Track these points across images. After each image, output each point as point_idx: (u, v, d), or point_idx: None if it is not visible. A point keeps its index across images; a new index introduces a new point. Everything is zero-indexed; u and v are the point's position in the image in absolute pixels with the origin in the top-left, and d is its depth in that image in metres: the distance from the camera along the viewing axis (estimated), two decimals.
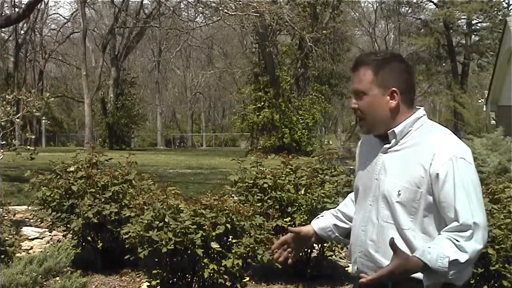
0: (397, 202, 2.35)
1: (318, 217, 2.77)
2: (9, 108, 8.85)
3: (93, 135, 35.31)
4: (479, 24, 41.87)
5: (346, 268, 6.74)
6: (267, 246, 5.31)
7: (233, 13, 18.84)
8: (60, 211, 6.37)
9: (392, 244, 2.23)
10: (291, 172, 6.44)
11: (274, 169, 6.47)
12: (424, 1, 44.35)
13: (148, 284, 5.46)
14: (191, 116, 58.52)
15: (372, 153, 2.50)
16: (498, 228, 4.94)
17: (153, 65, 53.57)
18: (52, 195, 6.36)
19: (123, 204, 6.19)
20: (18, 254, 6.40)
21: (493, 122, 21.12)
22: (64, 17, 57.44)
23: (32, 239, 7.61)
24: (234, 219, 5.17)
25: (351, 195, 2.74)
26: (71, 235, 6.57)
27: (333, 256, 6.63)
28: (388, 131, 2.42)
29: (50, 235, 7.31)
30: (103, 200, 6.22)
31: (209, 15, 23.97)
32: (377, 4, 48.58)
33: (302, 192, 6.15)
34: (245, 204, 5.55)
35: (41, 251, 5.60)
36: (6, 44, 44.69)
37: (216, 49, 53.11)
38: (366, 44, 51.13)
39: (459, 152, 2.34)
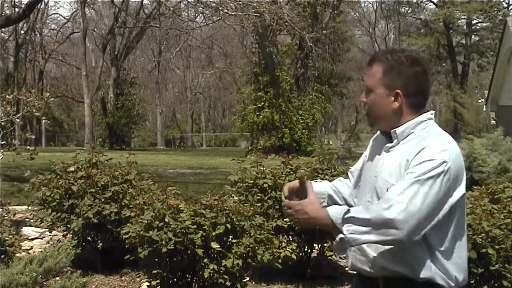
0: None
1: (316, 181, 2.81)
2: (9, 108, 8.84)
3: (93, 135, 35.29)
4: (479, 24, 41.88)
5: (346, 268, 6.74)
6: (267, 246, 5.32)
7: (233, 13, 18.83)
8: (60, 211, 6.37)
9: (301, 182, 2.38)
10: (291, 172, 6.44)
11: (274, 169, 6.47)
12: (424, 1, 44.40)
13: (148, 284, 5.47)
14: (191, 116, 58.53)
15: (378, 151, 2.55)
16: (498, 228, 4.95)
17: (153, 65, 53.57)
18: (52, 195, 6.36)
19: (123, 204, 6.19)
20: (18, 254, 6.40)
21: (493, 122, 21.12)
22: (64, 17, 57.50)
23: (32, 239, 7.61)
24: (234, 219, 5.17)
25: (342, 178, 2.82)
26: (71, 235, 6.57)
27: (333, 256, 6.63)
28: (391, 131, 2.46)
29: (50, 235, 7.31)
30: (103, 200, 6.22)
31: (209, 15, 23.97)
32: (377, 4, 48.66)
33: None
34: (245, 204, 5.55)
35: (41, 251, 5.60)
36: (6, 44, 44.68)
37: (216, 49, 53.11)
38: (366, 44, 51.19)
39: (443, 154, 2.31)
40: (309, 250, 6.48)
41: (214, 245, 5.04)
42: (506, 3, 44.19)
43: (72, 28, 48.11)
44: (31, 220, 7.50)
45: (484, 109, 23.01)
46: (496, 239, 4.90)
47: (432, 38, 40.14)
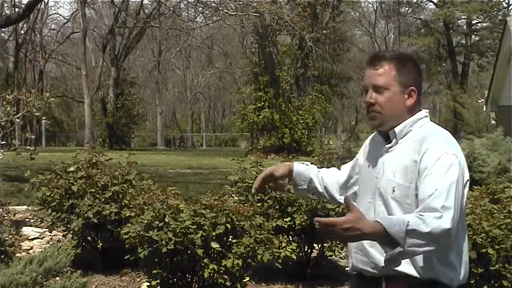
0: (392, 198, 2.39)
1: (302, 163, 2.82)
2: (9, 108, 8.84)
3: (93, 135, 35.28)
4: (479, 24, 41.86)
5: (346, 268, 6.74)
6: (267, 246, 5.32)
7: (233, 13, 18.82)
8: (60, 211, 6.37)
9: (346, 200, 2.24)
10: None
11: None
12: (424, 1, 44.38)
13: (148, 284, 5.47)
14: (191, 116, 58.51)
15: (376, 152, 2.55)
16: (498, 228, 4.95)
17: (153, 65, 53.55)
18: (52, 195, 6.36)
19: (123, 204, 6.19)
20: (18, 254, 6.40)
21: (493, 122, 21.11)
22: (64, 17, 57.41)
23: (32, 239, 7.61)
24: (234, 219, 5.17)
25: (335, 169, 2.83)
26: (71, 235, 6.57)
27: (333, 256, 6.63)
28: (389, 131, 2.47)
29: (50, 235, 7.31)
30: (103, 200, 6.22)
31: (209, 15, 23.95)
32: (377, 4, 48.64)
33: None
34: (245, 204, 5.55)
35: (41, 251, 5.60)
36: (6, 44, 44.66)
37: (216, 49, 53.09)
38: (366, 44, 51.18)
39: (451, 150, 2.36)
40: (309, 250, 6.48)
41: (214, 245, 5.04)
42: (506, 3, 44.22)
43: (72, 28, 48.10)
44: (31, 220, 7.49)
45: (484, 109, 23.00)
46: (496, 239, 4.91)
47: (432, 38, 40.13)
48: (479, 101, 26.58)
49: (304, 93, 32.47)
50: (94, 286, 6.23)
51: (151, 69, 54.56)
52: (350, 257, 2.55)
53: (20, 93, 9.42)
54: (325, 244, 6.39)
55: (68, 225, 6.34)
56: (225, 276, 5.16)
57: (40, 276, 4.62)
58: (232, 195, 6.09)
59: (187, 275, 5.27)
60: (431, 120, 2.55)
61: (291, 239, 6.26)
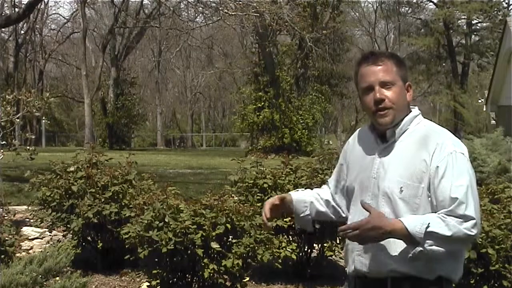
0: (399, 198, 2.37)
1: (297, 190, 2.81)
2: (9, 108, 8.84)
3: (93, 135, 35.27)
4: (479, 24, 41.84)
5: (346, 268, 6.74)
6: (267, 246, 5.32)
7: (233, 13, 18.81)
8: (60, 211, 6.37)
9: (364, 204, 2.32)
10: (291, 172, 6.44)
11: (274, 169, 6.48)
12: (424, 1, 44.36)
13: (148, 284, 5.47)
14: (191, 116, 58.50)
15: (367, 152, 2.53)
16: (498, 228, 4.95)
17: (153, 65, 53.56)
18: (52, 195, 6.37)
19: (123, 204, 6.19)
20: (18, 254, 6.41)
21: (493, 122, 21.11)
22: (64, 17, 57.37)
23: (32, 239, 7.61)
24: (234, 219, 5.17)
25: (325, 185, 2.80)
26: (71, 235, 6.57)
27: (333, 256, 6.64)
28: (387, 130, 2.45)
29: (50, 235, 7.31)
30: (103, 200, 6.22)
31: (209, 15, 23.94)
32: (377, 4, 48.61)
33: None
34: (245, 204, 5.55)
35: (41, 251, 5.60)
36: (6, 44, 44.64)
37: (216, 49, 53.08)
38: (366, 44, 51.14)
39: (459, 148, 2.39)
40: (309, 250, 6.48)
41: (214, 245, 5.04)
42: (506, 3, 44.20)
43: (72, 28, 48.09)
44: (31, 220, 7.49)
45: (484, 109, 23.00)
46: (496, 239, 4.90)
47: (432, 38, 40.10)
48: (479, 101, 26.60)
49: (304, 93, 32.47)
50: (94, 286, 6.23)
51: (151, 69, 54.57)
52: (352, 261, 2.52)
53: (20, 93, 9.41)
54: (325, 244, 6.39)
55: (68, 225, 6.34)
56: (225, 276, 5.16)
57: (40, 276, 4.62)
58: (232, 195, 6.09)
59: (187, 275, 5.27)
60: (426, 118, 2.57)
61: (291, 239, 6.26)
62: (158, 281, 5.23)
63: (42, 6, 42.20)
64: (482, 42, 41.30)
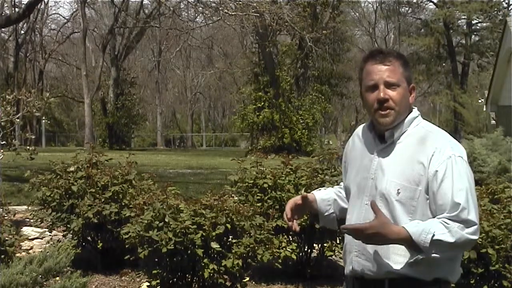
0: (396, 200, 2.36)
1: (319, 189, 2.79)
2: (9, 108, 8.84)
3: (93, 135, 35.30)
4: (479, 24, 41.86)
5: (346, 270, 6.74)
6: (267, 246, 5.32)
7: (233, 13, 18.81)
8: (60, 211, 6.37)
9: (373, 205, 2.29)
10: (291, 172, 6.44)
11: (274, 169, 6.47)
12: (424, 1, 44.38)
13: (148, 284, 5.47)
14: (191, 116, 58.51)
15: (366, 152, 2.52)
16: (498, 228, 4.94)
17: (153, 65, 53.56)
18: (52, 195, 6.36)
19: (123, 204, 6.19)
20: (18, 254, 6.39)
21: (493, 122, 21.10)
22: (64, 17, 57.49)
23: (32, 239, 7.61)
24: (234, 219, 5.17)
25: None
26: (71, 235, 6.57)
27: (333, 256, 6.63)
28: (386, 131, 2.44)
29: (50, 235, 7.31)
30: (103, 200, 6.22)
31: (209, 15, 23.92)
32: (377, 4, 48.65)
33: (302, 192, 6.14)
34: (245, 204, 5.55)
35: (41, 251, 5.60)
36: (6, 44, 44.65)
37: (216, 49, 53.09)
38: (366, 44, 51.15)
39: (457, 151, 2.38)
40: (309, 250, 6.48)
41: (214, 245, 5.04)
42: (506, 3, 44.14)
43: (72, 28, 48.14)
44: (31, 220, 7.49)
45: (484, 109, 22.99)
46: (496, 239, 4.90)
47: (432, 38, 40.12)
48: (479, 101, 26.59)
49: (304, 93, 32.48)
50: (94, 286, 6.23)
51: (151, 69, 54.58)
52: (349, 261, 2.51)
53: (20, 93, 9.42)
54: (325, 244, 6.39)
55: (68, 225, 6.33)
56: (225, 276, 5.16)
57: (40, 276, 4.62)
58: (232, 195, 6.09)
59: (187, 275, 5.27)
60: (426, 119, 2.55)
61: (291, 239, 6.26)
62: (158, 281, 5.23)
63: (42, 6, 42.28)
64: (482, 42, 41.32)
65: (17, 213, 7.54)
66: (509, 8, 40.10)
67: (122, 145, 35.16)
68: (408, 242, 2.25)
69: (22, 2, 35.18)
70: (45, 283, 4.77)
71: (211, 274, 5.02)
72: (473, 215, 2.28)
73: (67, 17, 51.02)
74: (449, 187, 2.30)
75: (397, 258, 2.34)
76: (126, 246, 5.31)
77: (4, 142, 9.07)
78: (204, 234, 4.98)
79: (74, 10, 46.27)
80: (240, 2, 18.39)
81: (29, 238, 7.59)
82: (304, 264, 6.47)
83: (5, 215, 6.73)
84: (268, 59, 29.21)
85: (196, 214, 5.10)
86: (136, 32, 37.22)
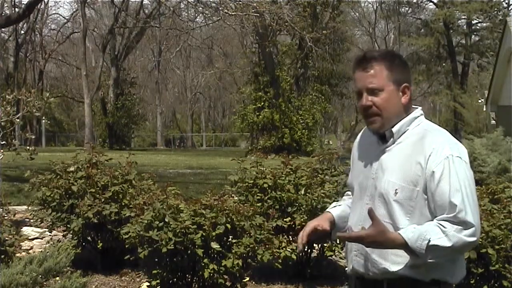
0: (394, 200, 2.36)
1: (334, 206, 2.72)
2: (9, 108, 8.84)
3: (93, 135, 35.31)
4: (479, 24, 41.86)
5: (346, 268, 6.73)
6: (267, 246, 5.32)
7: (233, 13, 18.82)
8: (60, 211, 6.37)
9: (370, 212, 2.28)
10: (291, 172, 6.44)
11: (274, 169, 6.47)
12: (424, 1, 44.38)
13: (148, 284, 5.47)
14: (191, 116, 58.52)
15: (369, 151, 2.51)
16: (498, 228, 4.94)
17: (153, 65, 53.57)
18: (52, 195, 6.36)
19: (123, 204, 6.19)
20: (18, 254, 6.40)
21: (493, 122, 21.10)
22: (64, 17, 57.46)
23: (32, 239, 7.60)
24: (234, 219, 5.17)
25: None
26: (71, 235, 6.57)
27: (333, 256, 6.63)
28: (386, 131, 2.43)
29: (50, 235, 7.31)
30: (103, 200, 6.22)
31: (209, 15, 23.94)
32: (377, 4, 48.63)
33: (302, 192, 6.15)
34: (245, 204, 5.55)
35: (41, 251, 5.60)
36: (6, 44, 44.65)
37: (216, 49, 53.10)
38: (366, 44, 51.13)
39: (456, 151, 2.35)
40: (309, 250, 6.48)
41: (214, 245, 5.04)
42: (506, 3, 44.15)
43: (72, 28, 48.14)
44: (31, 220, 7.49)
45: (484, 109, 22.99)
46: (496, 239, 4.90)
47: (432, 38, 40.11)
48: (479, 101, 26.58)
49: (304, 93, 32.48)
50: (94, 286, 6.23)
51: (151, 69, 54.58)
52: (350, 260, 2.52)
53: (20, 93, 9.41)
54: (325, 244, 6.39)
55: (68, 225, 6.33)
56: (225, 276, 5.16)
57: (40, 276, 4.62)
58: (232, 195, 6.09)
59: (187, 275, 5.27)
60: (426, 119, 2.53)
61: (291, 239, 6.26)
62: (158, 281, 5.23)
63: (42, 6, 42.29)
64: (482, 42, 41.31)
65: (17, 213, 7.54)
66: (509, 8, 40.14)
67: (122, 145, 35.17)
68: (405, 248, 2.26)
69: (22, 2, 35.20)
70: (45, 283, 4.77)
71: (211, 274, 5.02)
72: (471, 217, 2.26)
73: (67, 17, 51.09)
74: (446, 187, 2.28)
75: (395, 258, 2.34)
76: (126, 246, 5.31)
77: (4, 142, 9.06)
78: (204, 234, 4.98)
79: (74, 10, 46.33)
80: (240, 2, 18.40)
81: (29, 238, 7.58)
82: (304, 264, 6.47)
83: (5, 215, 6.73)
84: (268, 59, 29.21)
85: (196, 214, 5.10)
86: (136, 32, 37.22)
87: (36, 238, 7.63)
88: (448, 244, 2.22)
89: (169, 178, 13.36)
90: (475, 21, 41.35)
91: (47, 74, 51.37)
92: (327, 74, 37.97)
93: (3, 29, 34.43)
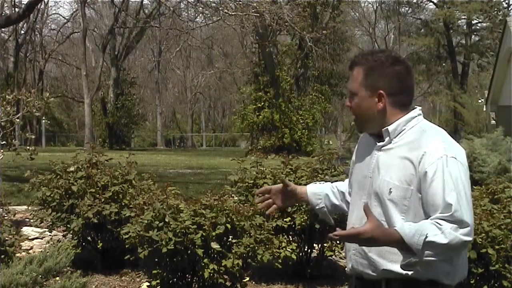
0: (388, 199, 2.36)
1: (315, 183, 2.85)
2: (9, 108, 8.83)
3: (93, 135, 35.30)
4: (479, 24, 41.85)
5: (346, 268, 6.73)
6: (267, 246, 5.32)
7: (233, 13, 18.82)
8: (60, 211, 6.37)
9: (365, 208, 2.28)
10: (291, 172, 6.44)
11: (274, 169, 6.47)
12: (424, 1, 44.36)
13: (148, 284, 5.47)
14: (191, 116, 58.52)
15: (368, 151, 2.52)
16: (498, 228, 4.95)
17: (153, 65, 53.57)
18: (52, 195, 6.36)
19: (123, 204, 6.19)
20: (18, 254, 6.40)
21: (493, 122, 21.11)
22: (64, 17, 57.38)
23: (32, 239, 7.61)
24: (234, 219, 5.17)
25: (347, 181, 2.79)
26: (71, 235, 6.57)
27: (333, 256, 6.63)
28: (382, 130, 2.44)
29: (50, 235, 7.31)
30: (103, 200, 6.22)
31: (209, 15, 23.95)
32: (377, 4, 48.65)
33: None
34: (245, 204, 5.55)
35: (41, 251, 5.60)
36: (6, 44, 44.64)
37: (216, 49, 53.11)
38: (366, 44, 51.14)
39: (450, 151, 2.34)
40: (309, 250, 6.48)
41: (214, 245, 5.04)
42: (506, 3, 44.18)
43: (72, 28, 48.12)
44: (31, 220, 7.49)
45: (484, 109, 22.99)
46: (496, 239, 4.90)
47: (432, 38, 40.11)
48: (479, 101, 26.58)
49: (304, 93, 32.48)
50: (94, 286, 6.23)
51: (151, 69, 54.58)
52: (349, 259, 2.53)
53: (20, 93, 9.40)
54: (325, 244, 6.39)
55: (68, 225, 6.33)
56: (225, 276, 5.17)
57: (40, 276, 4.62)
58: (232, 195, 6.09)
59: (187, 275, 5.27)
60: (426, 119, 2.52)
61: (291, 239, 6.26)
62: (158, 281, 5.23)
63: (42, 6, 42.29)
64: (482, 42, 41.29)
65: (17, 213, 7.54)
66: (509, 8, 40.14)
67: (122, 145, 35.18)
68: (401, 244, 2.23)
69: (22, 2, 35.20)
70: (45, 283, 4.77)
71: (211, 274, 5.02)
72: (466, 216, 2.26)
73: (67, 17, 51.06)
74: (439, 188, 2.27)
75: (392, 257, 2.34)
76: (126, 246, 5.31)
77: (4, 142, 9.06)
78: (204, 234, 4.98)
79: (74, 10, 46.33)
80: (240, 2, 18.41)
81: (29, 238, 7.59)
82: (304, 264, 6.47)
83: (5, 215, 6.74)
84: (268, 59, 29.21)
85: (196, 214, 5.10)
86: (136, 32, 37.23)
87: (36, 238, 7.64)
88: (444, 241, 2.20)
89: (169, 178, 13.36)
90: (475, 21, 41.34)
91: (47, 74, 51.38)
92: (327, 74, 37.95)
93: (3, 29, 34.44)
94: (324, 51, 35.51)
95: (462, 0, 37.68)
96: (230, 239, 5.24)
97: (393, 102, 2.42)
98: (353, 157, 2.67)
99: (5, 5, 40.32)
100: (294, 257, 6.15)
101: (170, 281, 5.25)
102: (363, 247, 2.41)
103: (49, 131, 50.49)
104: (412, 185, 2.32)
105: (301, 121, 29.41)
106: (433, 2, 42.81)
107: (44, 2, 40.73)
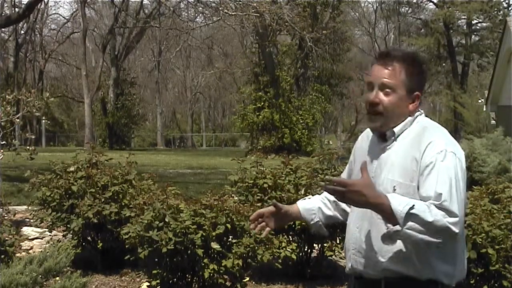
0: None
1: (304, 198, 2.81)
2: (9, 108, 8.83)
3: (93, 135, 35.29)
4: (479, 24, 41.84)
5: (346, 268, 6.73)
6: (267, 246, 5.32)
7: (233, 13, 18.84)
8: (60, 211, 6.37)
9: (362, 167, 2.29)
10: (291, 172, 6.44)
11: (274, 169, 6.47)
12: (424, 1, 44.37)
13: (148, 284, 5.47)
14: (191, 116, 58.52)
15: (370, 151, 2.52)
16: (498, 228, 4.95)
17: (153, 65, 53.56)
18: (52, 195, 6.36)
19: (123, 204, 6.19)
20: (18, 254, 6.40)
21: (493, 122, 21.11)
22: (64, 17, 57.41)
23: (32, 239, 7.61)
24: (234, 219, 5.17)
25: None
26: (71, 235, 6.57)
27: (333, 256, 6.63)
28: (387, 131, 2.44)
29: (50, 235, 7.31)
30: (103, 200, 6.22)
31: (209, 15, 23.95)
32: (377, 4, 48.62)
33: (302, 192, 6.14)
34: (245, 204, 5.55)
35: (41, 251, 5.60)
36: (6, 44, 44.63)
37: (216, 49, 53.10)
38: (366, 44, 51.19)
39: (450, 147, 2.36)
40: (309, 250, 6.48)
41: (214, 245, 5.04)
42: (506, 3, 44.19)
43: (72, 28, 48.10)
44: (31, 220, 7.49)
45: (484, 109, 22.98)
46: (496, 239, 4.90)
47: (432, 38, 40.10)
48: (479, 101, 26.56)
49: (304, 93, 32.49)
50: (94, 286, 6.23)
51: (151, 69, 54.58)
52: (349, 259, 2.53)
53: (20, 93, 9.40)
54: (325, 244, 6.39)
55: (68, 225, 6.33)
56: (225, 276, 5.16)
57: (40, 276, 4.62)
58: (232, 195, 6.09)
59: (187, 275, 5.27)
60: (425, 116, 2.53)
61: (291, 239, 6.26)
62: (158, 281, 5.23)
63: (42, 6, 42.25)
64: (482, 42, 41.28)
65: (17, 213, 7.54)
66: (509, 8, 40.11)
67: (122, 145, 35.17)
68: (387, 210, 2.20)
69: (22, 2, 35.20)
70: (45, 283, 4.77)
71: (211, 274, 5.02)
72: (456, 207, 2.24)
73: (67, 17, 51.03)
74: (434, 179, 2.28)
75: (392, 256, 2.35)
76: (126, 246, 5.31)
77: (4, 142, 9.06)
78: (204, 234, 4.98)
79: (74, 10, 46.29)
80: (240, 2, 18.41)
81: (29, 238, 7.59)
82: (304, 264, 6.47)
83: (5, 215, 6.74)
84: (268, 59, 29.21)
85: (196, 214, 5.10)
86: (136, 32, 37.22)
87: (36, 238, 7.64)
88: (429, 219, 2.18)
89: (169, 178, 13.36)
90: (475, 21, 41.33)
91: (47, 74, 51.36)
92: (327, 74, 37.97)
93: (3, 29, 34.44)
94: (324, 51, 35.53)
95: (462, 0, 37.67)
96: (230, 239, 5.24)
97: (419, 104, 2.46)
98: (352, 157, 2.67)
99: (5, 5, 40.32)
100: (294, 257, 6.15)
101: (170, 281, 5.25)
102: (363, 245, 2.41)
103: (49, 131, 50.47)
104: (414, 182, 2.34)
105: (301, 121, 29.41)
106: (433, 2, 42.81)
107: (44, 2, 40.75)
